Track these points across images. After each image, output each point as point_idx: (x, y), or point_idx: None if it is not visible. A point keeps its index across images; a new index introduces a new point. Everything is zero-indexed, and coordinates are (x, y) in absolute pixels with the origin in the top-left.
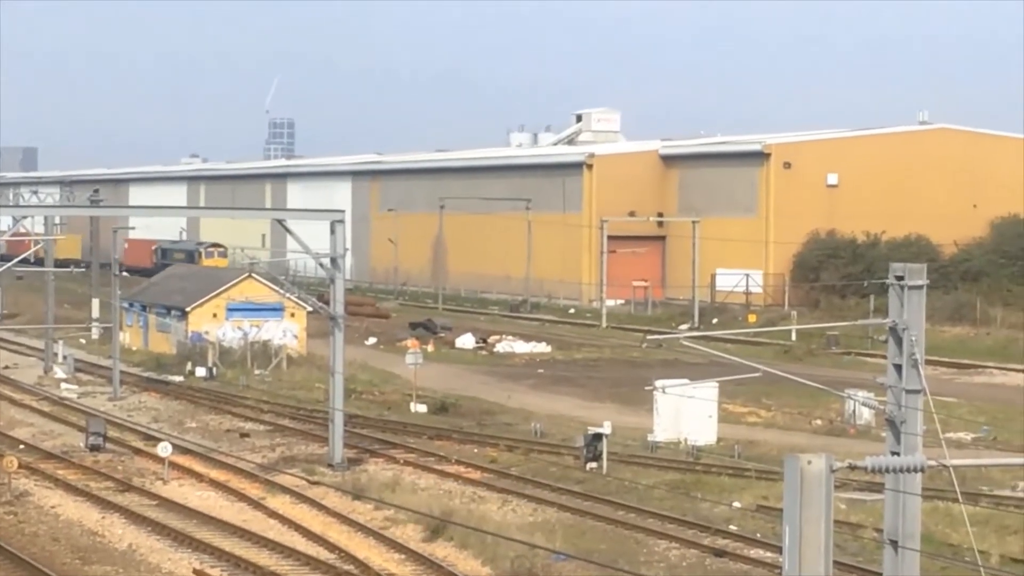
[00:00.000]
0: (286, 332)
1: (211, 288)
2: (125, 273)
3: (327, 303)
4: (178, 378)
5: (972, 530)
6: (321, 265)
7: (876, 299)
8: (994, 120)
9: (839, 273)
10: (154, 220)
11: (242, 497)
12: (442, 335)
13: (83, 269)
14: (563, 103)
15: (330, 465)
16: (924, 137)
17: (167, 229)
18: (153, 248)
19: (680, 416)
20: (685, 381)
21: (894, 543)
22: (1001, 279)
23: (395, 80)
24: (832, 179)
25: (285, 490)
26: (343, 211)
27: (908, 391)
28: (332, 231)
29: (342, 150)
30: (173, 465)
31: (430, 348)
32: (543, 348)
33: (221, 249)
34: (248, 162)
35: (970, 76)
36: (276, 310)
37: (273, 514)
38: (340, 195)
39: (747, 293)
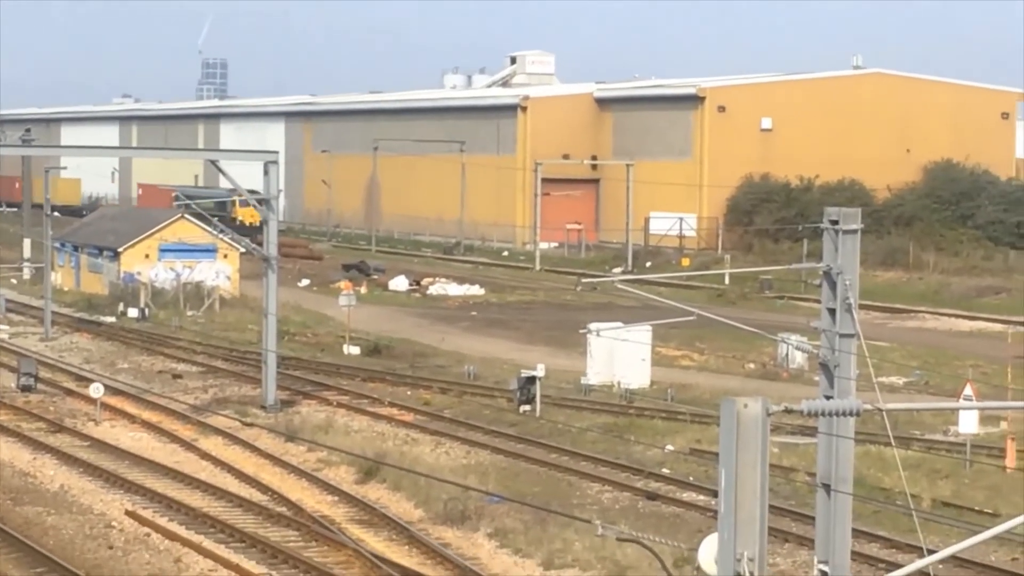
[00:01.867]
0: (219, 273)
1: (143, 229)
2: None
3: (260, 244)
4: (110, 319)
5: (904, 474)
6: (254, 206)
7: (809, 243)
8: (927, 65)
9: (772, 217)
10: (85, 160)
11: (174, 438)
12: (375, 277)
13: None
14: (498, 45)
15: (263, 407)
16: (858, 82)
17: (102, 169)
18: (173, 195)
19: (613, 359)
20: (619, 324)
21: (827, 486)
22: (933, 224)
23: (329, 20)
24: (766, 123)
25: (218, 431)
26: (276, 152)
27: (842, 335)
28: (265, 172)
29: (275, 91)
30: (105, 406)
31: (363, 290)
32: (476, 291)
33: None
34: (181, 102)
35: (903, 21)
36: (209, 251)
37: (206, 455)
38: (273, 136)
39: (681, 236)
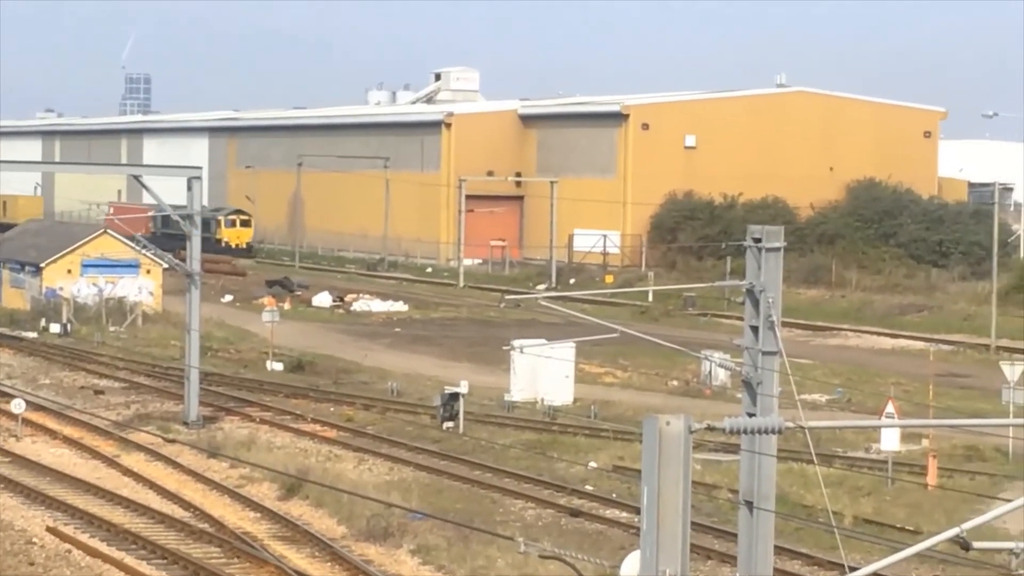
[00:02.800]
0: (142, 289)
1: (66, 244)
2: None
3: (183, 260)
4: (32, 334)
5: (826, 491)
6: (178, 221)
7: (733, 261)
8: (851, 84)
9: (696, 234)
10: (7, 176)
11: (96, 454)
12: (299, 293)
13: None
14: (422, 62)
15: (185, 423)
16: (781, 100)
17: (23, 184)
18: (150, 214)
19: (537, 376)
20: (542, 341)
21: (749, 504)
22: (856, 242)
23: (253, 37)
24: (690, 141)
25: (140, 447)
26: (200, 168)
27: (764, 353)
28: (189, 187)
29: (199, 106)
30: (27, 422)
31: (287, 306)
32: (400, 307)
33: (245, 217)
34: (104, 117)
35: (827, 40)
36: (132, 267)
37: (127, 471)
38: (197, 151)
39: (604, 254)
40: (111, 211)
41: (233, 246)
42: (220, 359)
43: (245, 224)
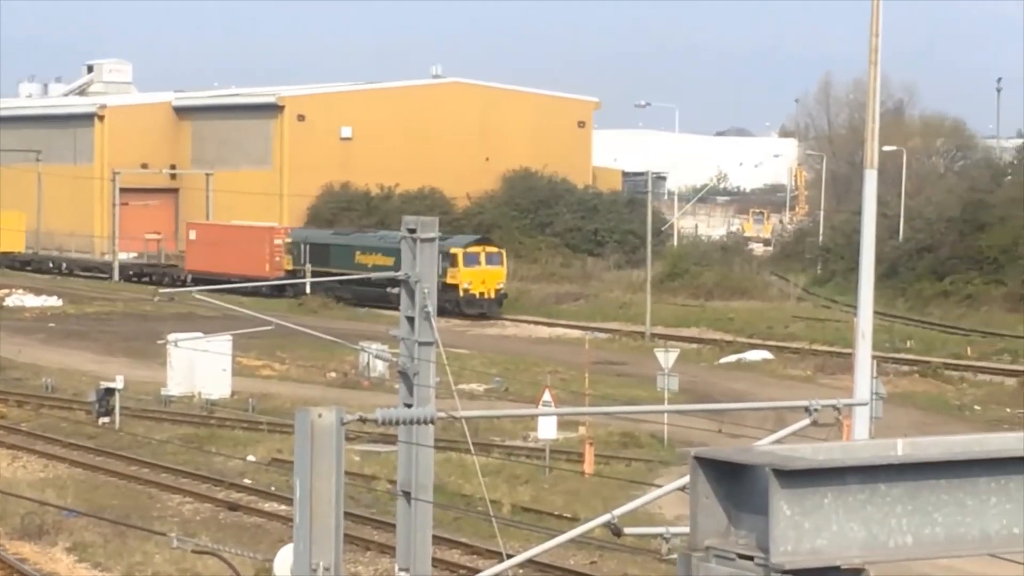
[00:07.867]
0: None
1: None
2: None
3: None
4: None
5: (484, 480)
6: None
7: None
8: (507, 75)
9: (353, 226)
10: None
11: None
12: None
13: None
14: (74, 53)
15: None
16: (437, 91)
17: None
18: (281, 242)
19: (194, 370)
20: (198, 334)
21: (407, 494)
22: (512, 231)
23: None
24: (346, 132)
25: None
26: None
27: (421, 343)
28: None
29: None
30: None
31: None
32: (55, 302)
33: (493, 249)
34: None
35: (484, 30)
36: None
37: None
38: None
39: None
40: (193, 236)
41: (477, 296)
42: None
43: (494, 261)
